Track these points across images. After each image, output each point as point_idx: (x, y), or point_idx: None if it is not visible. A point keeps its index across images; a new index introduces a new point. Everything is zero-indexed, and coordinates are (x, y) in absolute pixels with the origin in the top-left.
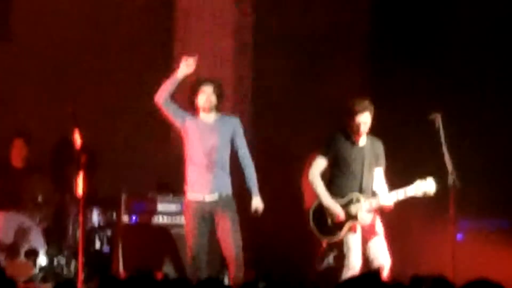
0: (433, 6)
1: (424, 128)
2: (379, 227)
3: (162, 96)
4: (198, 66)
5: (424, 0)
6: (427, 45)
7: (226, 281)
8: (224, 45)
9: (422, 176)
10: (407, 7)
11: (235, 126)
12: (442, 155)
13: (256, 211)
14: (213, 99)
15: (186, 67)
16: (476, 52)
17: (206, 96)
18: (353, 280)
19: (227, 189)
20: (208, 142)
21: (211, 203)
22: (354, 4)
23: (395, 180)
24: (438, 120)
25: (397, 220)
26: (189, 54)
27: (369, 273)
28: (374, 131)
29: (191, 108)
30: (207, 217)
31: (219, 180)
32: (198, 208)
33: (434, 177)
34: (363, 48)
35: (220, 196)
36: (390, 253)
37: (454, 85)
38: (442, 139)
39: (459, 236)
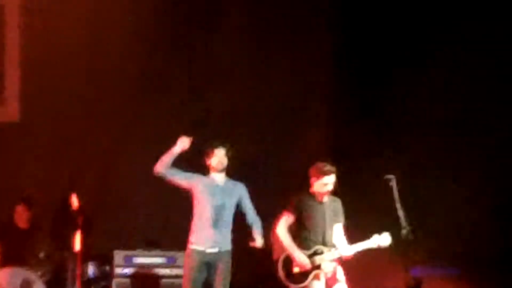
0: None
1: (380, 188)
2: (341, 275)
3: (162, 166)
4: None
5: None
6: (380, 113)
7: None
8: None
9: (379, 230)
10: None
11: (242, 190)
12: (396, 211)
13: (255, 247)
14: (225, 161)
15: (182, 144)
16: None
17: (219, 158)
18: None
19: (228, 246)
20: (219, 202)
21: (211, 254)
22: (314, 76)
23: (356, 232)
24: (392, 181)
25: (357, 267)
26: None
27: None
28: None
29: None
30: (203, 268)
31: (222, 236)
32: (199, 257)
33: (389, 231)
34: (325, 119)
35: (219, 251)
36: None
37: (405, 150)
38: (396, 198)
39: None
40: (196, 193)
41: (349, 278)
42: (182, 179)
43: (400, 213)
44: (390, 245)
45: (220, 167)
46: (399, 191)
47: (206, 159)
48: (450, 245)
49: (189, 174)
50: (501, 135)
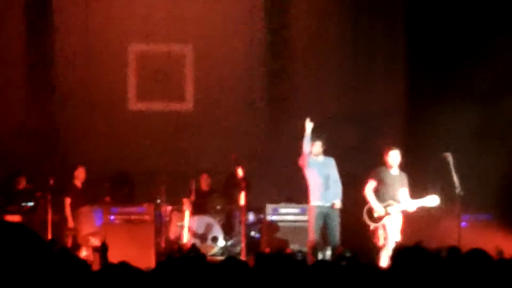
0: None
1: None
2: (398, 225)
3: (306, 161)
4: None
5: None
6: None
7: (329, 253)
8: None
9: (438, 193)
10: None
11: (332, 162)
12: (453, 177)
13: (334, 206)
14: (321, 150)
15: (308, 126)
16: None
17: (317, 148)
18: (405, 249)
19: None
20: (324, 172)
21: (326, 207)
22: (390, 90)
23: (421, 195)
24: (449, 157)
25: (428, 217)
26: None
27: (416, 245)
28: (409, 165)
29: None
30: (321, 217)
31: (332, 195)
32: (317, 210)
33: (446, 191)
34: (400, 117)
35: (331, 204)
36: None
37: (459, 134)
38: (452, 168)
39: (463, 224)
40: (309, 169)
41: (419, 224)
42: (306, 165)
43: (455, 178)
44: (441, 201)
45: (317, 154)
46: (454, 164)
47: (311, 147)
48: (486, 200)
49: (307, 162)
50: None
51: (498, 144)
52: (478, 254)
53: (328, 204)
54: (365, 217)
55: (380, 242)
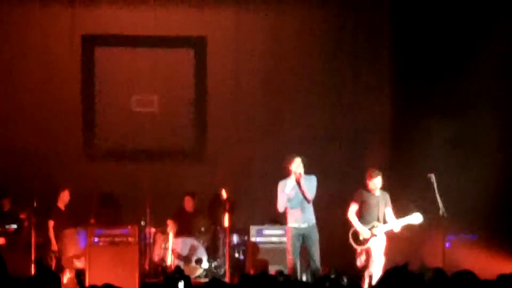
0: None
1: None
2: (382, 246)
3: (282, 207)
4: None
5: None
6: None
7: (309, 275)
8: None
9: (422, 211)
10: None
11: (313, 182)
12: (436, 198)
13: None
14: (301, 166)
15: (292, 181)
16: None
17: (297, 164)
18: (390, 272)
19: (313, 220)
20: (301, 194)
21: (303, 229)
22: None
23: (405, 214)
24: (432, 178)
25: (412, 236)
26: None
27: (398, 267)
28: (393, 185)
29: None
30: (299, 238)
31: (308, 215)
32: (295, 231)
33: (429, 212)
34: (384, 140)
35: (308, 225)
36: (401, 257)
37: (442, 154)
38: (435, 189)
39: (447, 244)
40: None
41: (405, 243)
42: (286, 196)
43: (438, 199)
44: (425, 222)
45: (298, 171)
46: (437, 184)
47: (288, 165)
48: (470, 220)
49: (283, 195)
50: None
51: (483, 164)
52: (465, 276)
53: (304, 225)
54: (351, 240)
55: (359, 263)
